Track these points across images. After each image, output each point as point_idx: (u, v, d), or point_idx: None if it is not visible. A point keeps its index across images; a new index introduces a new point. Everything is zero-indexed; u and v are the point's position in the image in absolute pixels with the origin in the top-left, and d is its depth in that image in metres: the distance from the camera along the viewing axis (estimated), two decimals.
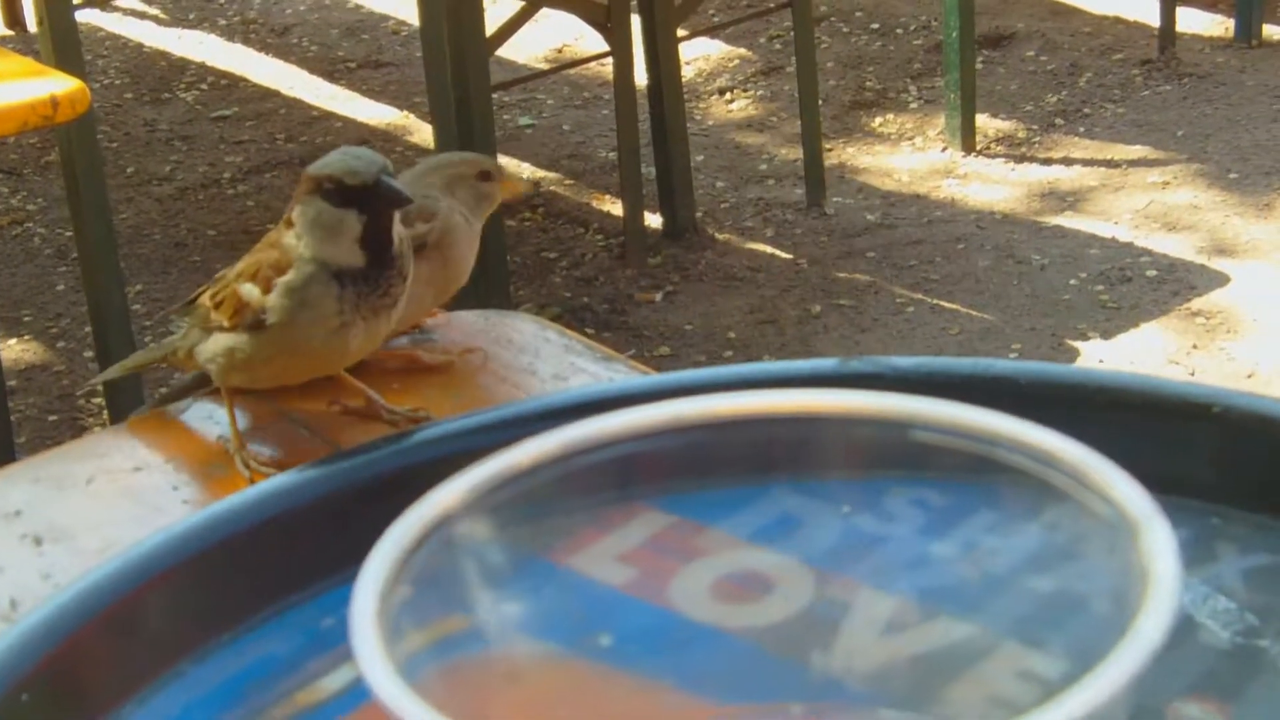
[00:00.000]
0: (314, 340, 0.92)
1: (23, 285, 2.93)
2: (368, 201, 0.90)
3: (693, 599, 0.57)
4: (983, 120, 3.28)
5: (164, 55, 3.87)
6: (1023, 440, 0.49)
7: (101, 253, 2.29)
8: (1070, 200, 3.03)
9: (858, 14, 3.84)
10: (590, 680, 0.55)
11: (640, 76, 2.85)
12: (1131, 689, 0.40)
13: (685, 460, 0.55)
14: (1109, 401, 0.71)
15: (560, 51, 3.73)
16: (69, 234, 2.76)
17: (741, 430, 0.55)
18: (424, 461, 0.70)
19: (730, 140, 3.34)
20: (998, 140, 3.26)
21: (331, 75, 3.72)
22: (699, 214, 2.99)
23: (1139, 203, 3.00)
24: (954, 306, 2.70)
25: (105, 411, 2.46)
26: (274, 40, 3.92)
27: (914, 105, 3.42)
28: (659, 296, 2.78)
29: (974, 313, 2.68)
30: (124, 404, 2.25)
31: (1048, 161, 3.18)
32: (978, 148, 3.22)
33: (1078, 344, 2.59)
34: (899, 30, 3.75)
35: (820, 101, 3.10)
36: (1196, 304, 2.67)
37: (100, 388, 2.47)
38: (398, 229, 0.92)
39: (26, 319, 2.82)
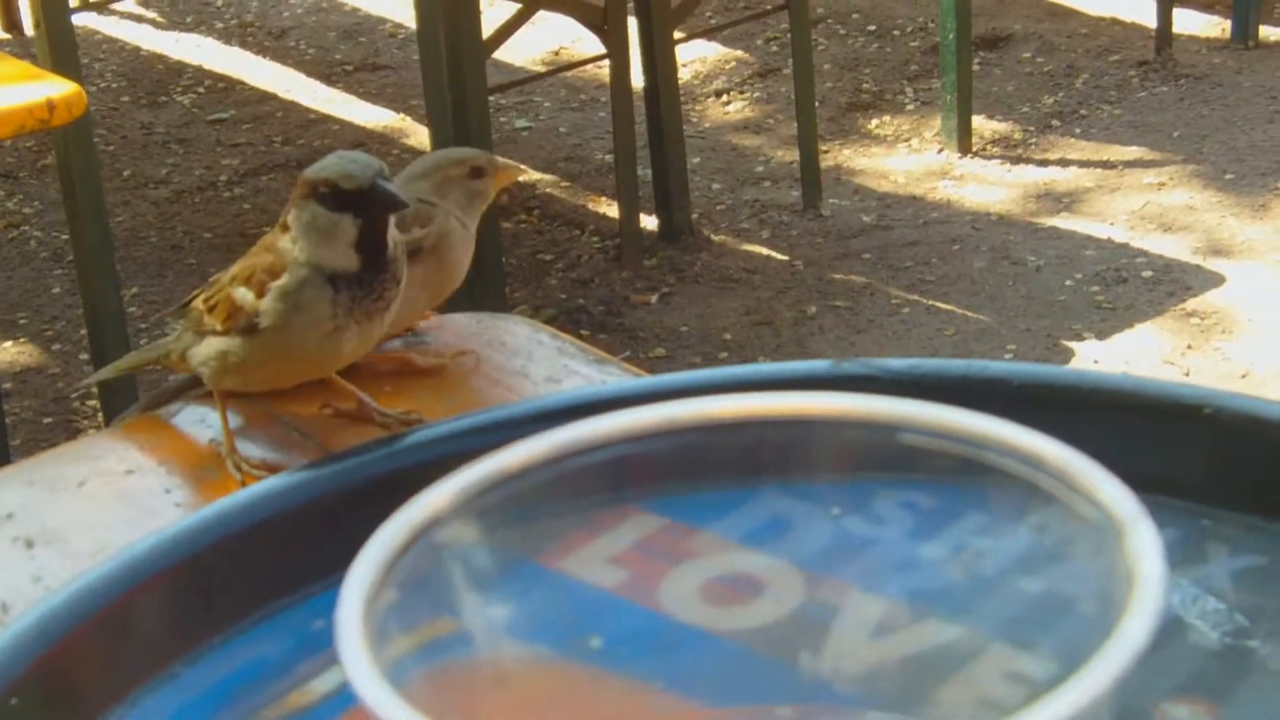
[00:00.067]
0: (307, 344, 0.92)
1: (18, 288, 2.93)
2: (363, 206, 0.90)
3: (683, 601, 0.57)
4: (979, 122, 3.28)
5: (161, 58, 3.87)
6: (1009, 443, 0.49)
7: (97, 256, 2.29)
8: (1066, 201, 3.03)
9: (854, 16, 3.84)
10: (580, 682, 0.55)
11: (637, 79, 2.85)
12: (1116, 690, 0.40)
13: (676, 463, 0.55)
14: (1101, 402, 0.71)
15: (557, 54, 3.73)
16: (65, 237, 2.76)
17: (732, 433, 0.55)
18: (415, 464, 0.70)
19: (726, 142, 3.34)
20: (994, 142, 3.26)
21: (329, 78, 3.72)
22: (695, 216, 3.00)
23: (1135, 204, 3.00)
24: (949, 308, 2.71)
25: (100, 414, 2.46)
26: (271, 43, 3.92)
27: (910, 107, 3.42)
28: (655, 298, 2.78)
29: (969, 314, 2.69)
30: (119, 407, 2.25)
31: (1044, 163, 3.18)
32: (974, 149, 3.22)
33: (1073, 345, 2.59)
34: (895, 32, 3.75)
35: (817, 103, 3.10)
36: (1192, 304, 2.68)
37: (96, 390, 2.47)
38: (392, 233, 0.92)
39: (22, 321, 2.82)
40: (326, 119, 3.51)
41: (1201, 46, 3.60)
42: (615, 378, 0.96)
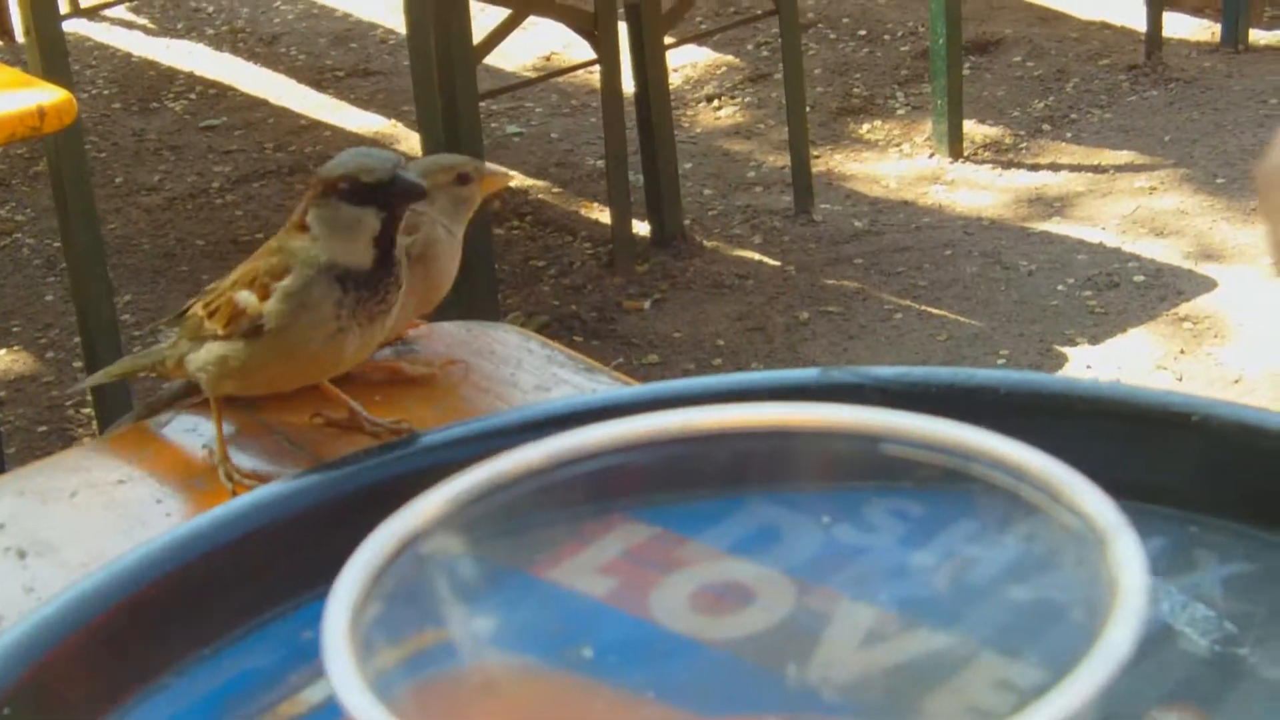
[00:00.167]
0: (311, 344, 0.92)
1: (11, 296, 2.93)
2: (385, 198, 0.90)
3: (673, 610, 0.57)
4: (970, 126, 3.28)
5: (152, 65, 3.87)
6: (993, 454, 0.50)
7: (90, 263, 2.29)
8: (1057, 206, 3.04)
9: (845, 21, 3.84)
10: (569, 692, 0.55)
11: (628, 84, 2.86)
12: (1100, 699, 0.41)
13: (666, 472, 0.55)
14: (1089, 410, 0.71)
15: (548, 59, 3.73)
16: (57, 244, 2.76)
17: (722, 443, 0.55)
18: (406, 473, 0.70)
19: (718, 147, 3.35)
20: (985, 146, 3.27)
21: (319, 84, 3.72)
22: (687, 221, 3.00)
23: (1126, 208, 3.01)
24: (942, 313, 2.71)
25: (95, 422, 2.46)
26: (262, 49, 3.92)
27: (901, 112, 3.43)
28: (647, 304, 2.78)
29: (962, 319, 2.69)
30: (114, 415, 2.24)
31: (1035, 167, 3.18)
32: (965, 154, 3.22)
33: (1065, 349, 2.59)
34: (886, 37, 3.75)
35: (808, 108, 3.10)
36: (1183, 309, 2.68)
37: (90, 399, 2.47)
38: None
39: (15, 329, 2.82)
40: (318, 125, 3.51)
41: (1191, 50, 3.60)
42: (605, 386, 0.96)
